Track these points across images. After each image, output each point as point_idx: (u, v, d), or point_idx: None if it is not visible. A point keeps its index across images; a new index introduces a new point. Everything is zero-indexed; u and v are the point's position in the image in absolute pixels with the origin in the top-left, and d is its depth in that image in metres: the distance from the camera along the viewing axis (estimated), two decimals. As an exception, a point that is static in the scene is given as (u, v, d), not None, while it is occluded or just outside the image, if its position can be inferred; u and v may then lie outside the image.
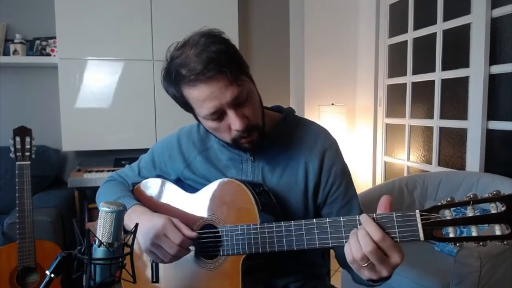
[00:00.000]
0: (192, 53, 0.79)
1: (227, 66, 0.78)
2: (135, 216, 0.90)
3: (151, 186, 1.04)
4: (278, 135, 0.96)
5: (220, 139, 0.91)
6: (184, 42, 0.83)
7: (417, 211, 0.68)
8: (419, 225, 0.67)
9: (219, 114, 0.82)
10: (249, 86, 0.85)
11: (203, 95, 0.79)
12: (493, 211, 0.64)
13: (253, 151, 0.93)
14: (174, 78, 0.82)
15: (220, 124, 0.84)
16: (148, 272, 0.97)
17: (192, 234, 0.86)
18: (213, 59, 0.77)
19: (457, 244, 0.66)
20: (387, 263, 0.69)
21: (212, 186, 0.91)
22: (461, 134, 2.12)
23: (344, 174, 0.97)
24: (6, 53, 2.61)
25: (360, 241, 0.69)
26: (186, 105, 0.87)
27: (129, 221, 0.88)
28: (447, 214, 0.67)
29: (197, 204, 0.93)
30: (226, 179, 0.90)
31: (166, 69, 0.85)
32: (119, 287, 0.96)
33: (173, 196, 0.99)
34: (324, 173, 0.94)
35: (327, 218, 0.76)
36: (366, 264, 0.69)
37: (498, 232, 0.64)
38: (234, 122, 0.82)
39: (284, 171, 0.94)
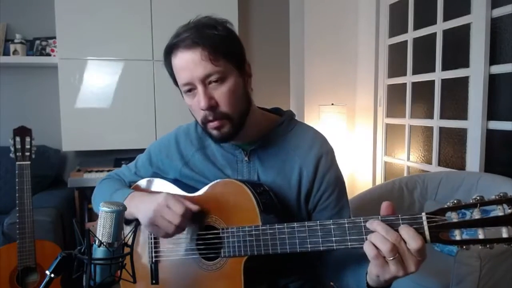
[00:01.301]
0: (187, 27, 0.84)
1: (208, 41, 0.81)
2: (135, 200, 0.91)
3: (149, 185, 1.04)
4: (275, 138, 0.95)
5: (195, 119, 0.93)
6: (190, 21, 0.87)
7: (423, 213, 0.67)
8: (426, 228, 0.66)
9: (190, 88, 0.85)
10: (230, 73, 0.85)
11: (180, 64, 0.84)
12: (500, 214, 0.63)
13: (222, 141, 0.92)
14: (166, 47, 0.87)
15: (193, 101, 0.86)
16: (148, 274, 0.96)
17: (195, 207, 0.86)
18: (198, 32, 0.82)
19: (464, 247, 0.65)
20: (414, 257, 0.66)
21: (212, 187, 0.90)
22: (461, 134, 2.12)
23: (337, 183, 0.96)
24: (6, 53, 2.61)
25: (385, 235, 0.66)
26: (173, 78, 0.90)
27: (130, 207, 0.87)
28: (454, 217, 0.66)
29: (197, 204, 0.92)
30: (226, 179, 0.90)
31: (166, 45, 0.88)
32: (119, 287, 0.96)
33: None
34: (317, 180, 0.93)
35: (331, 220, 0.75)
36: (393, 257, 0.65)
37: (505, 235, 0.63)
38: (199, 99, 0.84)
39: (278, 174, 0.94)
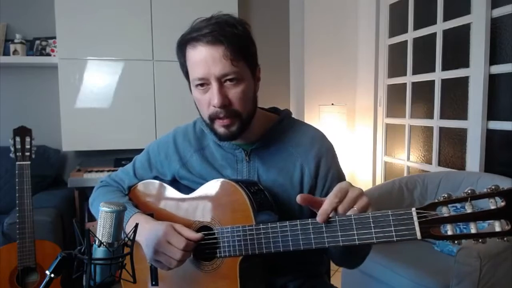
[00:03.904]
0: (209, 22, 0.84)
1: (230, 40, 0.81)
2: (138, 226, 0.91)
3: (147, 189, 1.04)
4: (274, 137, 0.96)
5: (201, 115, 0.93)
6: (212, 16, 0.87)
7: (413, 209, 0.66)
8: (416, 223, 0.66)
9: (204, 82, 0.84)
10: (245, 75, 0.86)
11: (198, 57, 0.83)
12: (492, 207, 0.61)
13: (226, 140, 0.92)
14: (183, 37, 0.87)
15: (203, 96, 0.86)
16: (148, 275, 0.96)
17: (197, 236, 0.85)
18: (222, 29, 0.82)
19: (456, 242, 0.64)
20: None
21: (207, 187, 0.90)
22: (461, 134, 2.12)
23: (340, 179, 0.97)
24: (6, 53, 2.61)
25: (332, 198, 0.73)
26: (185, 69, 0.90)
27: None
28: (445, 211, 0.64)
29: (193, 206, 0.92)
30: (220, 179, 0.89)
31: (182, 34, 0.88)
32: (119, 287, 0.96)
33: (169, 198, 0.99)
34: (320, 178, 0.94)
35: None
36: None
37: (498, 229, 0.61)
38: (213, 96, 0.84)
39: (279, 172, 0.94)
